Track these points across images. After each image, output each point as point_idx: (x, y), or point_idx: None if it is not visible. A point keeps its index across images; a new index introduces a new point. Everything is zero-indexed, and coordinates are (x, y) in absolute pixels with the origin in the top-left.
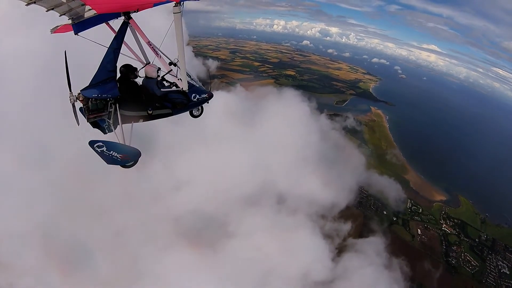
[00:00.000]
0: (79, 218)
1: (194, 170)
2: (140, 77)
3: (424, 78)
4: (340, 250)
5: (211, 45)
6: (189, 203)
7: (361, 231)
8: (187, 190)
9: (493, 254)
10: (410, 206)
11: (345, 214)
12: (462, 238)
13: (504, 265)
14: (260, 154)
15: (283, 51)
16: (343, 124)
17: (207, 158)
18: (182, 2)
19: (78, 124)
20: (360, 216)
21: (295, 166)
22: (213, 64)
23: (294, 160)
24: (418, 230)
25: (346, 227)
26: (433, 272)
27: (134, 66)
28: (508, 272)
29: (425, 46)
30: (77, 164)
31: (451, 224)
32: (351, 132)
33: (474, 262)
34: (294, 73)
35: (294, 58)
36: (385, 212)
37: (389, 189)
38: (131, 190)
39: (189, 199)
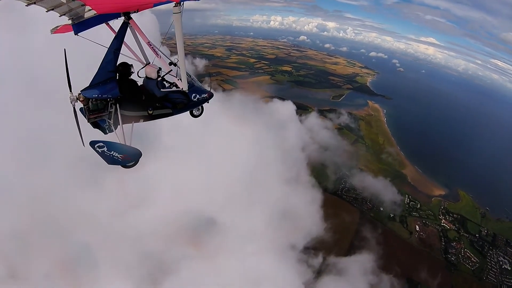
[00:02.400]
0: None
1: (154, 187)
2: (140, 77)
3: (423, 71)
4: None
5: (207, 43)
6: (146, 223)
7: (355, 235)
8: (145, 209)
9: (494, 250)
10: (408, 201)
11: (335, 222)
12: (462, 233)
13: (506, 260)
14: (229, 167)
15: (280, 47)
16: (339, 120)
17: (166, 174)
18: (182, 2)
19: (84, 145)
20: (356, 213)
21: (272, 175)
22: (201, 63)
23: (272, 171)
24: (416, 226)
25: (334, 239)
26: (432, 270)
27: (129, 63)
28: (509, 268)
29: (423, 39)
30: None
31: (450, 219)
32: (347, 128)
33: (474, 258)
34: (290, 68)
35: (291, 54)
36: (381, 209)
37: (386, 185)
38: (87, 209)
39: (146, 219)
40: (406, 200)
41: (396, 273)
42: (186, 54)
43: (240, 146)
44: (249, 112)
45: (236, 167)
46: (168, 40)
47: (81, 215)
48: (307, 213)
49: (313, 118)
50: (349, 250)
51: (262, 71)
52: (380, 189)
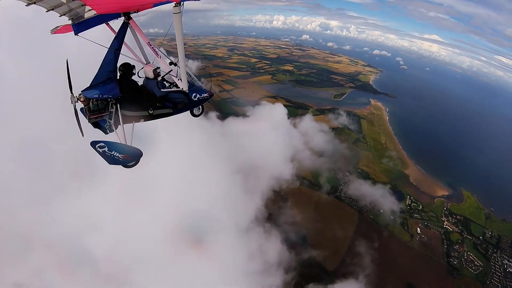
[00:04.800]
0: None
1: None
2: (140, 77)
3: (427, 68)
4: None
5: (209, 44)
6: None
7: (354, 236)
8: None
9: (498, 252)
10: (410, 203)
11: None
12: (465, 236)
13: (510, 263)
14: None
15: (282, 46)
16: (340, 119)
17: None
18: (182, 2)
19: (83, 136)
20: (355, 215)
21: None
22: (193, 65)
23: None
24: (418, 229)
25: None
26: (433, 275)
27: (131, 64)
28: None
29: (426, 36)
30: None
31: (453, 221)
32: (348, 127)
33: (477, 262)
34: (292, 68)
35: (293, 53)
36: (381, 211)
37: (387, 186)
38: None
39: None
40: (407, 202)
41: (395, 279)
42: (186, 55)
43: (218, 157)
44: (238, 117)
45: (211, 182)
46: (170, 42)
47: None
48: (300, 220)
49: (310, 118)
50: (348, 250)
51: (263, 70)
52: (381, 190)
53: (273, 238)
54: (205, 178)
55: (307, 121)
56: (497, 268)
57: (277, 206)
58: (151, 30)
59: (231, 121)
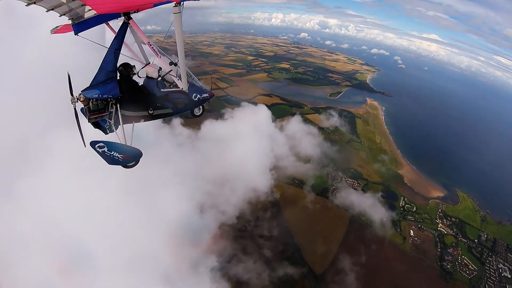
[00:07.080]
0: None
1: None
2: (140, 76)
3: (425, 68)
4: None
5: (206, 41)
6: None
7: (344, 237)
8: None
9: (493, 256)
10: (403, 204)
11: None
12: (459, 239)
13: (506, 267)
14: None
15: (280, 44)
16: (334, 117)
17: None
18: (182, 2)
19: (85, 146)
20: (346, 216)
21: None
22: (186, 63)
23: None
24: (411, 231)
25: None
26: (425, 279)
27: (131, 64)
28: (509, 276)
29: (425, 35)
30: None
31: (448, 223)
32: (342, 126)
33: (472, 266)
34: (289, 66)
35: (290, 51)
36: (373, 212)
37: (380, 187)
38: None
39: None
40: (401, 203)
41: (385, 283)
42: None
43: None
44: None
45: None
46: (167, 39)
47: None
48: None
49: (299, 119)
50: (337, 254)
51: (259, 68)
52: (374, 191)
53: (249, 253)
54: (174, 189)
55: (295, 122)
56: (492, 272)
57: (255, 216)
58: (148, 27)
59: (208, 125)
